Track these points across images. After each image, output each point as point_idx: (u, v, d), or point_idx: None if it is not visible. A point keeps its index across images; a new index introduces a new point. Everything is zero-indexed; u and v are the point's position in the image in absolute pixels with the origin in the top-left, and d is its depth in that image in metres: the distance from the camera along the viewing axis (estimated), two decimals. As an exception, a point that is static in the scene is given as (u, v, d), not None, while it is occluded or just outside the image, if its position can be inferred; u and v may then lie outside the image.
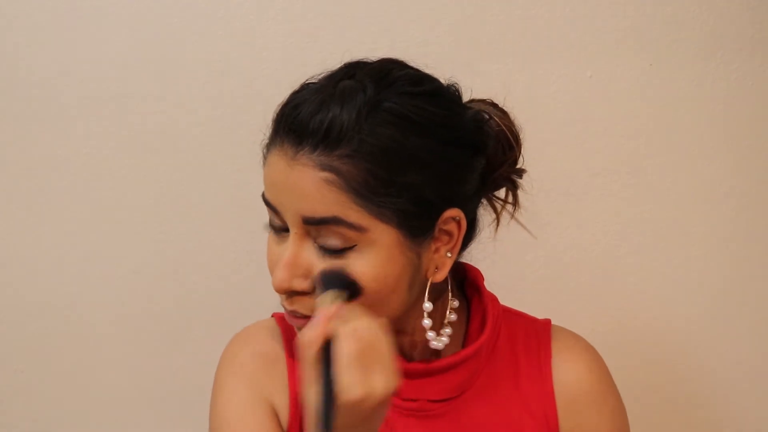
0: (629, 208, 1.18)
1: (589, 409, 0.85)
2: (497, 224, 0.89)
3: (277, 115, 0.78)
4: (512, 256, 1.15)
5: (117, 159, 1.15)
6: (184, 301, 1.17)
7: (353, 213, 0.73)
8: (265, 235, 0.82)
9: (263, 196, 0.78)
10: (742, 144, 1.17)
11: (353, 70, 0.78)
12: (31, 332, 1.18)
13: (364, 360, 0.65)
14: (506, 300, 0.91)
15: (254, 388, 0.84)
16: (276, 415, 0.84)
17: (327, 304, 0.70)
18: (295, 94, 0.78)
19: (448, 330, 0.82)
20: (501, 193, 0.88)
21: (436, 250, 0.79)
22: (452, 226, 0.78)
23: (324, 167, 0.72)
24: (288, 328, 0.88)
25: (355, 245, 0.74)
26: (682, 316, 1.20)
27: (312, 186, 0.73)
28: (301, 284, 0.76)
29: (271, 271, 0.78)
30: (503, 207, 0.88)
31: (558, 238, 1.18)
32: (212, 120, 1.14)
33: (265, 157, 0.79)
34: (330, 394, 0.63)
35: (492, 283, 0.89)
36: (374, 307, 0.75)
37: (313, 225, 0.74)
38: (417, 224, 0.76)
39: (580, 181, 1.17)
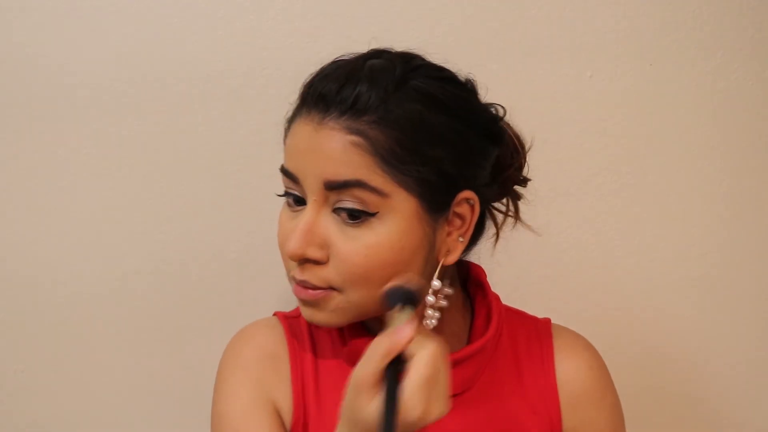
0: (629, 208, 1.18)
1: (590, 405, 0.87)
2: (497, 239, 0.91)
3: (305, 86, 0.79)
4: (512, 256, 1.15)
5: (116, 159, 1.15)
6: (184, 301, 1.17)
7: (377, 177, 0.74)
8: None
9: (282, 168, 0.79)
10: (742, 144, 1.17)
11: (381, 53, 0.80)
12: (31, 332, 1.18)
13: (430, 385, 0.66)
14: (507, 300, 0.91)
15: (257, 387, 0.84)
16: (278, 415, 0.84)
17: (403, 320, 0.69)
18: (324, 68, 0.80)
19: (437, 314, 0.82)
20: (501, 206, 0.91)
21: (449, 234, 0.80)
22: (465, 209, 0.80)
23: (351, 131, 0.74)
24: (290, 327, 0.88)
25: (376, 212, 0.74)
26: (681, 315, 1.20)
27: (339, 148, 0.74)
28: (315, 253, 0.76)
29: (282, 245, 0.79)
30: (504, 220, 0.91)
31: (558, 238, 1.18)
32: (212, 120, 1.14)
33: (287, 130, 0.80)
34: (394, 408, 0.64)
35: (493, 283, 0.89)
36: (386, 280, 0.76)
37: (335, 189, 0.74)
38: (436, 198, 0.77)
39: (580, 181, 1.17)
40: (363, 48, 0.83)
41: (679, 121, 1.16)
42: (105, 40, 1.12)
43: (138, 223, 1.16)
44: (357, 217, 0.75)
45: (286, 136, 0.80)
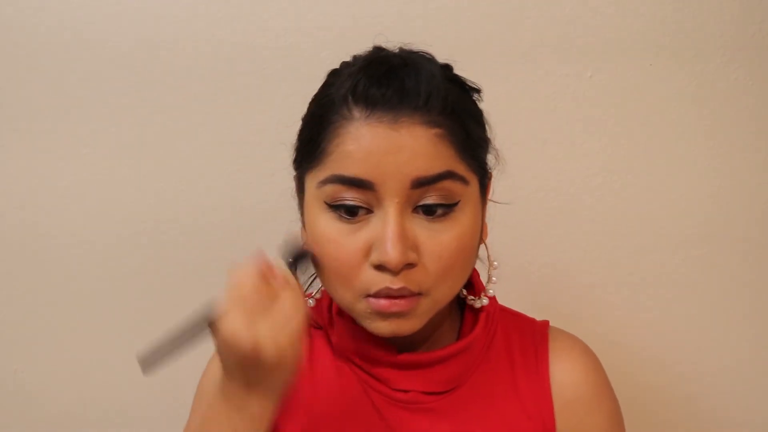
0: (629, 208, 1.18)
1: (585, 411, 0.85)
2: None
3: (350, 89, 0.74)
4: (512, 256, 1.15)
5: (116, 159, 1.15)
6: (186, 303, 1.17)
7: (461, 166, 0.75)
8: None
9: (343, 177, 0.73)
10: (742, 144, 1.17)
11: (391, 50, 0.80)
12: (31, 332, 1.18)
13: (234, 298, 0.73)
14: (505, 299, 0.91)
15: None
16: None
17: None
18: (350, 76, 0.76)
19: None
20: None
21: (484, 212, 0.82)
22: (488, 187, 0.83)
23: (433, 124, 0.73)
24: None
25: (458, 201, 0.75)
26: (681, 315, 1.20)
27: (426, 143, 0.73)
28: (412, 255, 0.74)
29: (342, 269, 0.75)
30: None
31: (558, 237, 1.18)
32: (212, 120, 1.14)
33: (327, 138, 0.75)
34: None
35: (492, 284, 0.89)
36: (465, 269, 0.78)
37: (424, 186, 0.73)
38: (485, 178, 0.81)
39: (580, 181, 1.17)
40: (363, 48, 0.83)
41: (679, 121, 1.16)
42: (105, 40, 1.12)
43: (137, 223, 1.16)
44: (437, 211, 0.74)
45: (324, 144, 0.75)
